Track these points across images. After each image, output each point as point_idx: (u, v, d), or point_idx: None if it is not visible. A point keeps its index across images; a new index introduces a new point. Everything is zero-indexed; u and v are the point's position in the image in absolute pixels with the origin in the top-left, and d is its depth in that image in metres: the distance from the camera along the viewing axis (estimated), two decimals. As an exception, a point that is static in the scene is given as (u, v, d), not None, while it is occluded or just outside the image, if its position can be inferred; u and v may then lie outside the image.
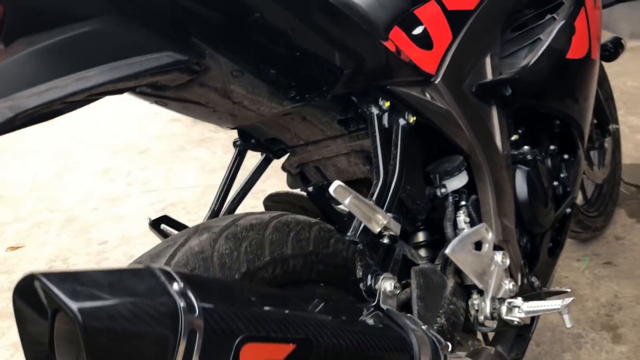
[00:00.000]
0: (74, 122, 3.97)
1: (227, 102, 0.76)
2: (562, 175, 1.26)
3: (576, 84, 1.22)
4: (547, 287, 1.18)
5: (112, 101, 4.03)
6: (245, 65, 0.68)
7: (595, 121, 1.71)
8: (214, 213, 0.94)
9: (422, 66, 0.92)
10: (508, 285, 0.98)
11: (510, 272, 1.02)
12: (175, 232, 0.88)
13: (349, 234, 0.68)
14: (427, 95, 0.92)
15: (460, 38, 1.02)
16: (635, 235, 1.83)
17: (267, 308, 0.50)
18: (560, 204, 1.21)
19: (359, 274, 0.68)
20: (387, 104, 0.81)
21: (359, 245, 0.68)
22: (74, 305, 0.38)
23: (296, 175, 1.02)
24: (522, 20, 1.27)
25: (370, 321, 0.64)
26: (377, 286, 0.67)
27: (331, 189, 0.65)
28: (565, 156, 1.27)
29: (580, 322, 1.50)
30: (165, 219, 0.88)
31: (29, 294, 0.43)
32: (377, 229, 0.68)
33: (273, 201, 0.94)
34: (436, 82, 0.95)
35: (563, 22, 1.19)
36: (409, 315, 0.68)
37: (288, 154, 1.00)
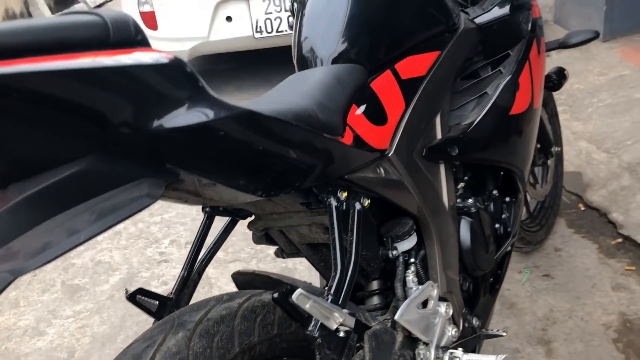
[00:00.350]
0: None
1: (199, 199, 0.83)
2: (504, 216, 1.37)
3: (518, 136, 1.33)
4: (487, 326, 1.31)
5: None
6: (216, 178, 0.75)
7: (538, 145, 1.84)
8: (184, 279, 1.01)
9: (377, 145, 1.00)
10: (451, 332, 1.10)
11: (453, 319, 1.14)
12: (151, 301, 0.95)
13: (309, 329, 0.77)
14: (381, 170, 1.00)
15: (412, 106, 1.10)
16: (572, 246, 1.99)
17: None
18: (501, 244, 1.33)
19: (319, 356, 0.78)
20: (345, 194, 0.89)
21: (317, 340, 0.77)
22: None
23: (261, 236, 1.10)
24: (472, 69, 1.36)
25: None
26: None
27: (294, 297, 0.73)
28: (507, 199, 1.38)
29: (519, 336, 1.65)
30: (141, 291, 0.95)
31: None
32: (334, 326, 0.78)
33: (241, 275, 1.02)
34: (389, 155, 1.03)
35: (508, 78, 1.29)
36: None
37: (253, 217, 1.08)
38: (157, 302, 0.97)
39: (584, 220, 2.12)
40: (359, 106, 0.99)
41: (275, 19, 3.29)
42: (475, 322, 1.23)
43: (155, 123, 0.64)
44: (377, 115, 1.02)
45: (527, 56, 1.35)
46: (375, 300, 1.14)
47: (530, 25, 1.41)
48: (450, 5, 1.22)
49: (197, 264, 1.05)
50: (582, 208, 2.17)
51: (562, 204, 2.19)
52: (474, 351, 1.23)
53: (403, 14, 1.12)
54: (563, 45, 1.64)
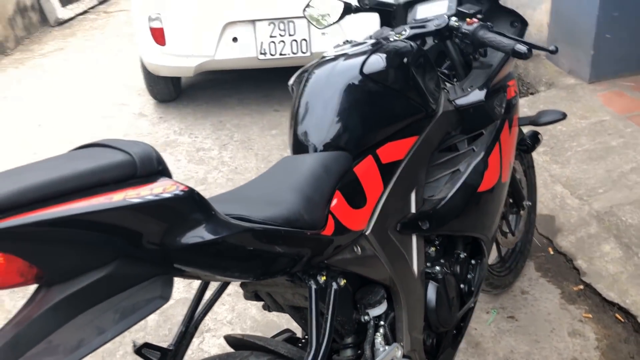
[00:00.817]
0: (38, 109, 4.07)
1: (198, 277, 1.00)
2: (469, 276, 1.54)
3: (485, 210, 1.50)
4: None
5: (77, 92, 4.21)
6: (215, 273, 0.91)
7: (510, 200, 2.00)
8: (182, 333, 1.18)
9: (355, 228, 1.16)
10: (412, 386, 1.28)
11: (414, 374, 1.31)
12: (156, 353, 1.12)
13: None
14: (358, 248, 1.17)
15: (390, 187, 1.26)
16: (538, 290, 2.17)
17: None
18: (464, 303, 1.50)
19: None
20: (323, 278, 1.06)
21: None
22: None
23: (251, 295, 1.27)
24: (449, 143, 1.52)
25: None
26: None
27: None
28: (473, 261, 1.55)
29: (480, 375, 1.83)
30: (147, 345, 1.12)
31: None
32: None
33: (232, 337, 1.19)
34: (367, 233, 1.20)
35: (479, 158, 1.45)
36: None
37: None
38: (160, 353, 1.14)
39: (551, 264, 2.29)
40: (342, 192, 1.15)
41: (279, 42, 3.44)
42: (436, 373, 1.41)
43: (172, 241, 0.81)
44: (357, 199, 1.18)
45: (498, 137, 1.51)
46: (348, 352, 1.31)
47: (504, 107, 1.57)
48: (430, 92, 1.38)
49: (194, 320, 1.22)
50: (551, 252, 2.35)
51: (533, 247, 2.36)
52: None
53: (386, 105, 1.28)
54: (533, 122, 1.81)
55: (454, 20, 1.52)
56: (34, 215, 0.69)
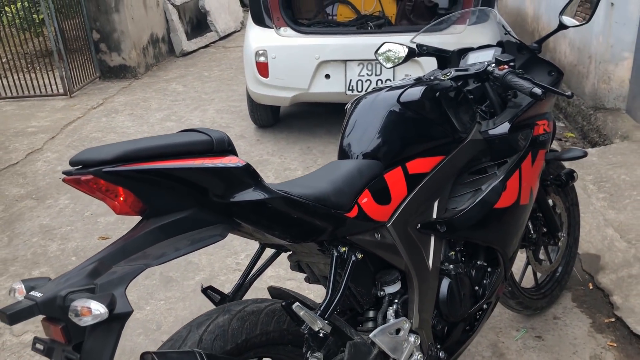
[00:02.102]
0: (155, 126, 4.71)
1: (253, 238, 1.37)
2: (485, 281, 1.80)
3: (501, 225, 1.76)
4: (454, 358, 1.74)
5: (190, 114, 4.87)
6: (263, 229, 1.28)
7: (544, 229, 2.22)
8: (239, 285, 1.55)
9: (378, 218, 1.49)
10: (416, 356, 1.56)
11: (421, 348, 1.60)
12: (216, 295, 1.50)
13: (302, 328, 1.28)
14: (378, 235, 1.49)
15: (413, 194, 1.58)
16: (570, 317, 2.34)
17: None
18: (476, 303, 1.76)
19: (304, 349, 1.28)
20: (344, 249, 1.40)
21: (305, 335, 1.28)
22: None
23: (295, 265, 1.62)
24: (479, 167, 1.81)
25: None
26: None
27: (293, 307, 1.25)
28: (489, 269, 1.81)
29: (498, 379, 2.05)
30: (211, 287, 1.50)
31: None
32: (316, 329, 1.28)
33: (274, 289, 1.55)
34: (388, 225, 1.52)
35: (498, 180, 1.73)
36: None
37: (290, 252, 1.60)
38: (219, 297, 1.51)
39: (588, 297, 2.46)
40: (370, 190, 1.48)
41: (365, 81, 3.84)
42: (442, 354, 1.68)
43: (232, 196, 1.18)
44: (382, 198, 1.51)
45: (519, 165, 1.78)
46: (369, 324, 1.62)
47: (528, 141, 1.84)
48: (460, 122, 1.69)
49: (249, 277, 1.59)
50: (591, 287, 2.51)
51: (574, 280, 2.54)
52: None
53: (416, 129, 1.61)
54: (557, 158, 2.04)
55: (490, 66, 1.83)
56: (146, 165, 1.09)
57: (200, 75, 6.59)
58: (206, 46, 8.07)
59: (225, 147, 1.20)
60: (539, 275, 2.38)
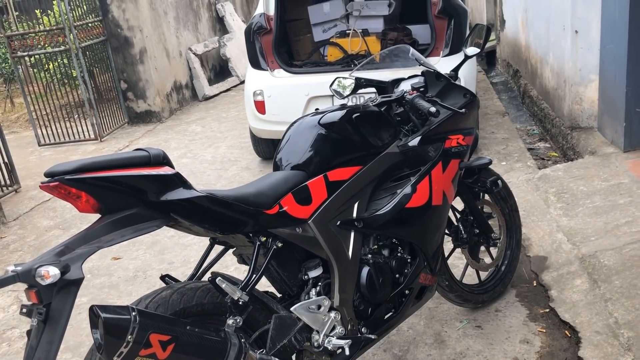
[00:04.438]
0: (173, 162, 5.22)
1: (191, 232, 1.77)
2: (406, 270, 2.14)
3: (415, 222, 2.11)
4: (379, 336, 2.07)
5: (204, 150, 5.38)
6: (193, 222, 1.68)
7: (476, 231, 2.55)
8: (191, 277, 1.94)
9: (299, 216, 1.86)
10: (338, 329, 1.91)
11: (342, 322, 1.94)
12: (172, 282, 1.89)
13: (225, 299, 1.66)
14: (300, 229, 1.87)
15: (333, 197, 1.96)
16: (510, 310, 2.63)
17: (168, 322, 1.51)
18: (394, 289, 2.10)
19: (227, 315, 1.66)
20: (264, 239, 1.78)
21: (228, 303, 1.66)
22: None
23: (240, 259, 2.01)
24: (401, 174, 2.18)
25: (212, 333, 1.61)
26: (228, 321, 1.65)
27: (217, 281, 1.63)
28: (409, 259, 2.16)
29: (434, 357, 2.36)
30: (168, 275, 1.89)
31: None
32: (236, 298, 1.66)
33: (214, 273, 1.93)
34: (308, 222, 1.89)
35: (410, 184, 2.09)
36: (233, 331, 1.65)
37: (234, 248, 1.99)
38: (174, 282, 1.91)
39: (531, 293, 2.74)
40: (293, 195, 1.87)
41: (351, 113, 4.24)
42: (364, 330, 2.02)
43: (165, 196, 1.59)
44: (304, 200, 1.89)
45: (429, 172, 2.14)
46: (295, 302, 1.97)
47: (439, 152, 2.20)
48: (376, 138, 2.07)
49: (201, 269, 1.97)
50: (534, 284, 2.80)
51: (521, 279, 2.83)
52: (358, 348, 2.00)
53: (337, 145, 2.00)
54: (467, 166, 2.37)
55: (406, 92, 2.22)
56: (99, 174, 1.51)
57: (219, 116, 7.14)
58: (227, 90, 8.68)
59: (161, 161, 1.62)
60: (482, 272, 2.69)
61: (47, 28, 6.51)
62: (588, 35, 4.16)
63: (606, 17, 3.94)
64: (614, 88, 3.85)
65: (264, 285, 1.94)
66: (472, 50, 2.33)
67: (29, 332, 1.42)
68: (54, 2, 6.40)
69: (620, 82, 3.71)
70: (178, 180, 1.61)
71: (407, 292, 2.16)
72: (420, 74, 2.45)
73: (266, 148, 4.91)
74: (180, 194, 1.61)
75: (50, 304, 1.41)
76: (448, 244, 2.49)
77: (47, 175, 1.50)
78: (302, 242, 1.88)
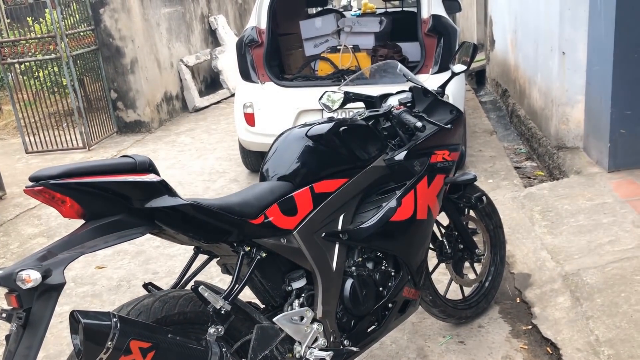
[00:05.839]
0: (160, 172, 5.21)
1: (175, 240, 1.77)
2: (389, 284, 2.15)
3: (398, 235, 2.12)
4: (360, 347, 2.07)
5: (193, 161, 5.38)
6: (178, 230, 1.67)
7: (460, 246, 2.56)
8: (175, 286, 1.93)
9: (284, 227, 1.86)
10: (321, 341, 1.91)
11: (325, 334, 1.94)
12: (156, 290, 1.88)
13: (208, 307, 1.65)
14: (284, 240, 1.87)
15: (318, 208, 1.96)
16: (493, 326, 2.64)
17: (149, 329, 1.50)
18: (377, 302, 2.10)
19: (209, 324, 1.65)
20: (248, 248, 1.78)
21: (210, 312, 1.65)
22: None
23: (224, 268, 2.00)
24: (387, 188, 2.19)
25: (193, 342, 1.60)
26: (210, 330, 1.64)
27: (199, 289, 1.63)
28: (393, 273, 2.16)
29: (417, 376, 2.36)
30: (151, 284, 1.88)
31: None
32: (218, 307, 1.65)
33: (197, 282, 1.92)
34: (293, 233, 1.90)
35: (395, 198, 2.11)
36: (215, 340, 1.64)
37: (219, 258, 1.99)
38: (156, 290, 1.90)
39: (514, 309, 2.75)
40: (279, 205, 1.88)
41: (340, 127, 4.27)
42: (346, 342, 2.02)
43: (150, 203, 1.59)
44: (290, 211, 1.89)
45: (415, 186, 2.16)
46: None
47: (425, 167, 2.21)
48: (362, 151, 2.08)
49: (184, 278, 1.97)
50: (518, 301, 2.81)
51: (505, 295, 2.84)
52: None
53: (320, 157, 2.01)
54: (453, 181, 2.39)
55: (393, 107, 2.24)
56: (84, 179, 1.51)
57: (208, 128, 7.15)
58: (218, 102, 8.69)
59: (146, 168, 1.62)
60: (466, 288, 2.70)
61: (39, 36, 6.51)
62: (575, 56, 4.23)
63: (593, 39, 4.01)
64: (600, 109, 3.91)
65: (248, 296, 1.93)
66: (459, 67, 2.37)
67: (7, 337, 1.40)
68: (46, 10, 6.40)
69: (605, 103, 3.77)
70: (163, 188, 1.61)
71: (390, 305, 2.16)
72: (407, 89, 2.48)
73: (255, 160, 4.92)
74: (165, 201, 1.60)
75: (30, 309, 1.40)
76: (432, 259, 2.50)
77: (32, 179, 1.49)
78: (286, 253, 1.88)
